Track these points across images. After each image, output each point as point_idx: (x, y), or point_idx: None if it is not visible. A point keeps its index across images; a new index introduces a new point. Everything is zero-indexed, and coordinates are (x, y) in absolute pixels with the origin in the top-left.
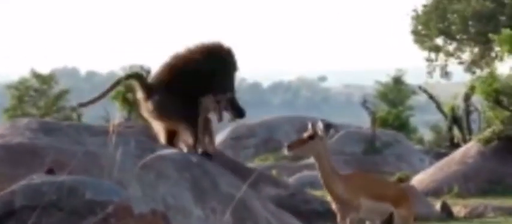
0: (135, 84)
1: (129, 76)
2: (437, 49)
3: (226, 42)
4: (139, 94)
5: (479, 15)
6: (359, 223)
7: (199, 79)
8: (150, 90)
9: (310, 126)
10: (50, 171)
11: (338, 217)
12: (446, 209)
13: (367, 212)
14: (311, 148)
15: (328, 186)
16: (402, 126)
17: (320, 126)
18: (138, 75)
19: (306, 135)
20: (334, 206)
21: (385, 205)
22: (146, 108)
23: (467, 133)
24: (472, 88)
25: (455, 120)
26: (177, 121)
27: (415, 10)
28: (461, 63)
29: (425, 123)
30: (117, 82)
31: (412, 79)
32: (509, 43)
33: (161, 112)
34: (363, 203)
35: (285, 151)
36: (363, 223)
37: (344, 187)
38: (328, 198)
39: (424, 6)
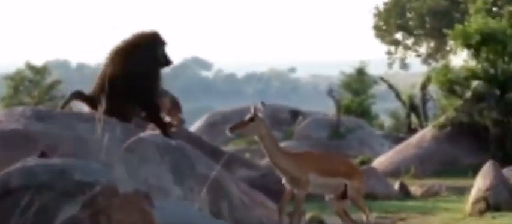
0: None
1: (72, 97)
2: (396, 43)
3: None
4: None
5: (434, 12)
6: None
7: None
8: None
9: (252, 109)
10: (43, 155)
11: (285, 191)
12: (404, 189)
13: (317, 187)
14: (252, 129)
15: (274, 163)
16: (364, 113)
17: (260, 109)
18: (77, 94)
19: (247, 117)
20: (283, 181)
21: (337, 179)
22: None
23: (423, 120)
24: (428, 79)
25: (412, 108)
26: None
27: (376, 7)
28: (418, 55)
29: (386, 110)
30: (66, 103)
31: (373, 70)
32: (461, 38)
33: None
34: (311, 179)
35: (227, 132)
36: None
37: (291, 163)
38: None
39: (385, 3)
